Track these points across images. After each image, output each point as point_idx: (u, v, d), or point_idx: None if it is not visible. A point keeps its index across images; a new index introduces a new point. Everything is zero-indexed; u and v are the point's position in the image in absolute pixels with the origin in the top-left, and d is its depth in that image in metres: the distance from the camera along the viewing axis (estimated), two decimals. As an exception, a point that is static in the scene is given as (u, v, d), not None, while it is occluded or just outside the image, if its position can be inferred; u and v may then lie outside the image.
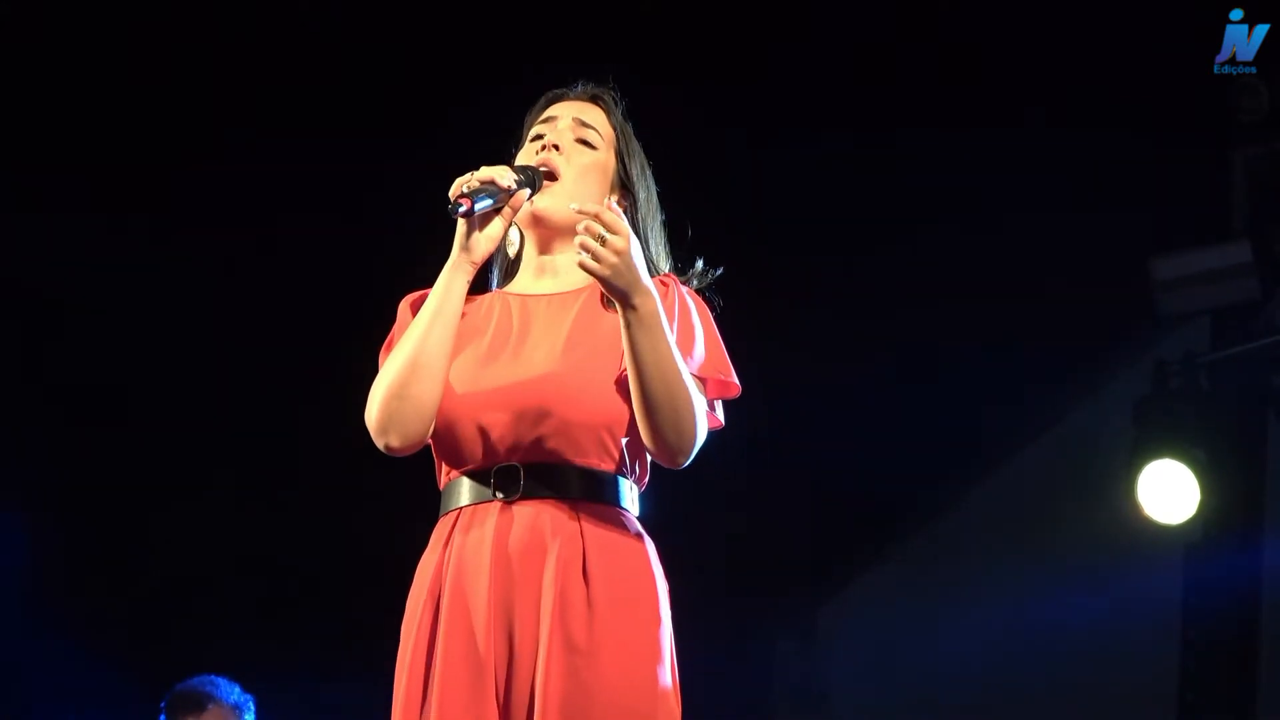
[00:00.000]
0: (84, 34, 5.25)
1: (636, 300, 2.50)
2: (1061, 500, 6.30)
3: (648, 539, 2.64)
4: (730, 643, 6.16)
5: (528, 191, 2.67)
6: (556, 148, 2.74)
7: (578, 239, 2.49)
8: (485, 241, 2.66)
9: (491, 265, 2.84)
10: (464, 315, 2.70)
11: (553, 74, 2.88)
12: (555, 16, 5.21)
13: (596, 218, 2.49)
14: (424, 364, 2.60)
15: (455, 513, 2.62)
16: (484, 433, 2.60)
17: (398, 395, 2.60)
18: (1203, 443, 5.73)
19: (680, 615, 2.62)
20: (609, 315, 2.64)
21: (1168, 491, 5.71)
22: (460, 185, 2.61)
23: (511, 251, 2.82)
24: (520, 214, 2.72)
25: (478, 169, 2.64)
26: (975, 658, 6.20)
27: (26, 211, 5.47)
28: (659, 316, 2.52)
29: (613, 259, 2.47)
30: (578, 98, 2.83)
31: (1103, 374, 6.10)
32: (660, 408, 2.52)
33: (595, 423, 2.59)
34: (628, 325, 2.51)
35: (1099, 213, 5.58)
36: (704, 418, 2.59)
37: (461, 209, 2.58)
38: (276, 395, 5.85)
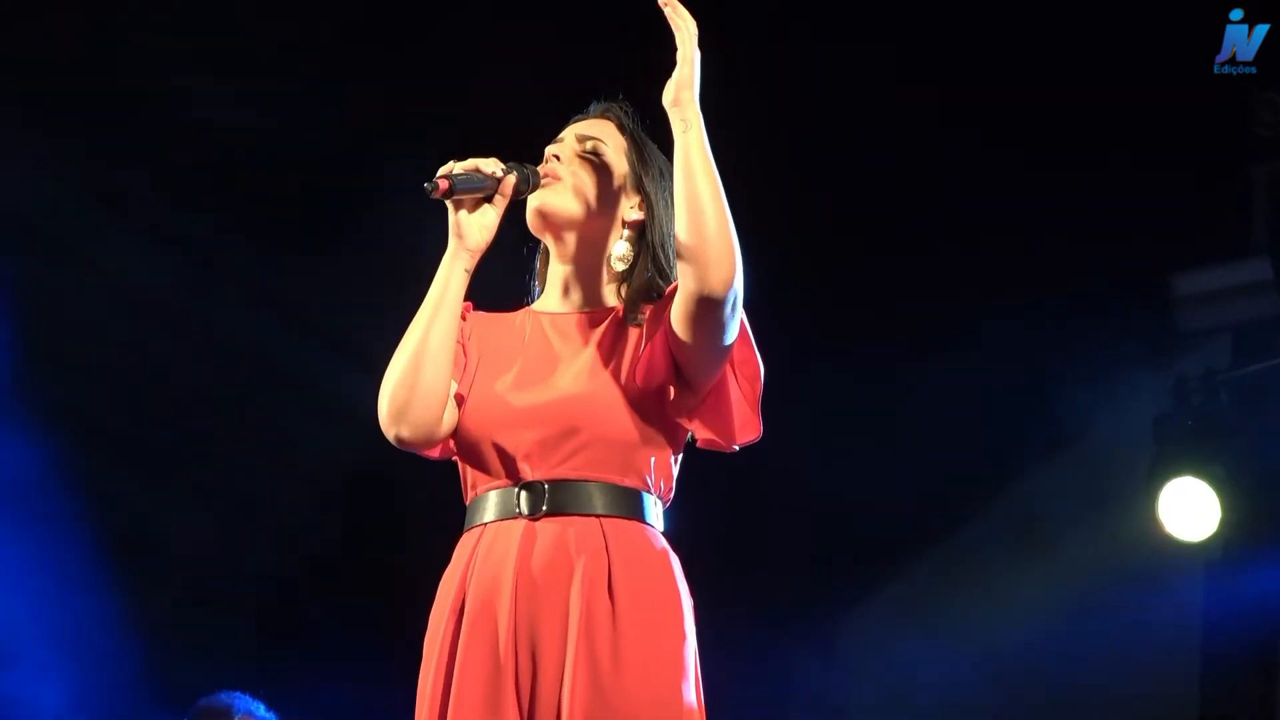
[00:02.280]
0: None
1: (690, 113, 2.57)
2: (1081, 517, 6.27)
3: (672, 554, 2.64)
4: (749, 658, 6.15)
5: (514, 178, 2.70)
6: (557, 158, 2.77)
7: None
8: (479, 230, 2.69)
9: (530, 282, 2.87)
10: (494, 333, 2.74)
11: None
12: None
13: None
14: (428, 353, 2.62)
15: (479, 528, 2.63)
16: (510, 449, 2.61)
17: (405, 386, 2.62)
18: (1223, 460, 5.71)
19: (700, 630, 2.62)
20: (634, 333, 2.66)
21: (1188, 509, 5.70)
22: (445, 170, 2.66)
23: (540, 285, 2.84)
24: (528, 217, 2.75)
25: (465, 158, 2.68)
26: (993, 674, 6.17)
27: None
28: (703, 132, 2.58)
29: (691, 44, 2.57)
30: (589, 117, 2.85)
31: (1123, 390, 6.08)
32: (705, 210, 2.53)
33: (621, 440, 2.60)
34: (683, 132, 2.57)
35: (1119, 229, 5.57)
36: (738, 249, 2.58)
37: (438, 189, 2.63)
38: (283, 395, 5.83)
